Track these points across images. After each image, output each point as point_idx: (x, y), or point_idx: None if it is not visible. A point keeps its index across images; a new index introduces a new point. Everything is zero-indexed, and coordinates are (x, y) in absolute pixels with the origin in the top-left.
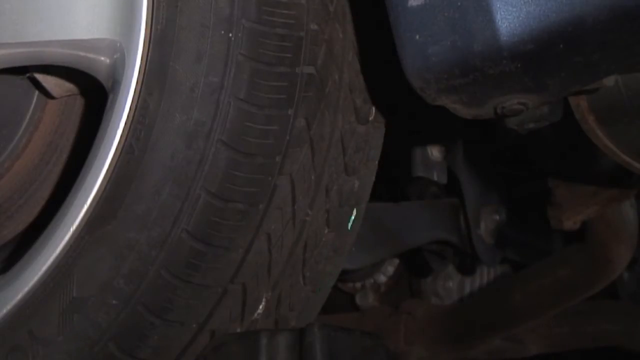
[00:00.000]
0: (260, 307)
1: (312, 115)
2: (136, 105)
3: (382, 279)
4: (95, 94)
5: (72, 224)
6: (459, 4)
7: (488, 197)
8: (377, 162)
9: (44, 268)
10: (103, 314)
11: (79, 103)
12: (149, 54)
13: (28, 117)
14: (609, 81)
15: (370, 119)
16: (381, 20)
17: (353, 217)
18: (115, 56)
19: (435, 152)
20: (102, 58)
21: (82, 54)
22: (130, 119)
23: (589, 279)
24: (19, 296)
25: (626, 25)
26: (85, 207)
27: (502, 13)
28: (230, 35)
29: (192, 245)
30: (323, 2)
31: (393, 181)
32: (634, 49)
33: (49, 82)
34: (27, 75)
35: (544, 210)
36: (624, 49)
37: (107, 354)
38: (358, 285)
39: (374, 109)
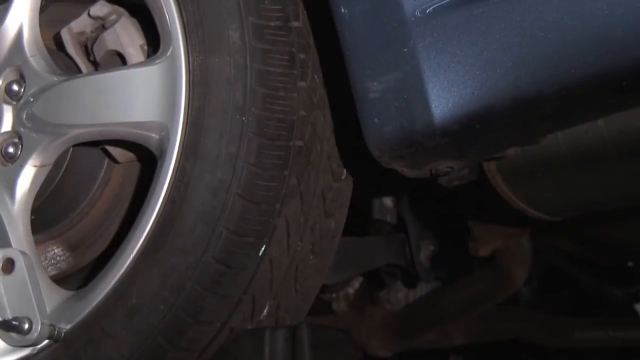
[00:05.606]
0: (265, 311)
1: (302, 175)
2: (177, 168)
3: (351, 291)
4: (148, 160)
5: (132, 252)
6: (405, 96)
7: (426, 233)
8: (347, 208)
9: (112, 283)
10: (154, 316)
11: (136, 166)
12: (186, 132)
13: (101, 176)
14: (511, 151)
15: (343, 177)
16: (350, 107)
17: None
18: (162, 133)
19: (388, 201)
20: (154, 135)
21: (140, 132)
22: (173, 178)
23: (497, 291)
24: (94, 303)
25: (525, 110)
26: (141, 240)
27: (435, 103)
28: (243, 119)
29: (217, 267)
30: (309, 95)
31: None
32: (529, 128)
33: (116, 151)
34: (100, 147)
35: (466, 242)
36: (522, 127)
37: (156, 345)
38: (334, 295)
39: (345, 170)
